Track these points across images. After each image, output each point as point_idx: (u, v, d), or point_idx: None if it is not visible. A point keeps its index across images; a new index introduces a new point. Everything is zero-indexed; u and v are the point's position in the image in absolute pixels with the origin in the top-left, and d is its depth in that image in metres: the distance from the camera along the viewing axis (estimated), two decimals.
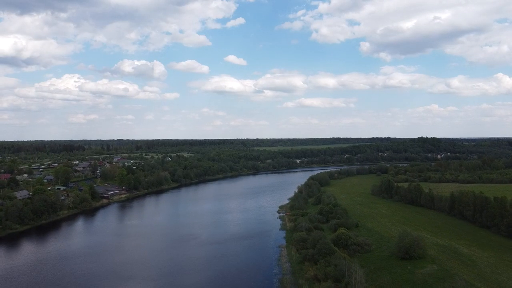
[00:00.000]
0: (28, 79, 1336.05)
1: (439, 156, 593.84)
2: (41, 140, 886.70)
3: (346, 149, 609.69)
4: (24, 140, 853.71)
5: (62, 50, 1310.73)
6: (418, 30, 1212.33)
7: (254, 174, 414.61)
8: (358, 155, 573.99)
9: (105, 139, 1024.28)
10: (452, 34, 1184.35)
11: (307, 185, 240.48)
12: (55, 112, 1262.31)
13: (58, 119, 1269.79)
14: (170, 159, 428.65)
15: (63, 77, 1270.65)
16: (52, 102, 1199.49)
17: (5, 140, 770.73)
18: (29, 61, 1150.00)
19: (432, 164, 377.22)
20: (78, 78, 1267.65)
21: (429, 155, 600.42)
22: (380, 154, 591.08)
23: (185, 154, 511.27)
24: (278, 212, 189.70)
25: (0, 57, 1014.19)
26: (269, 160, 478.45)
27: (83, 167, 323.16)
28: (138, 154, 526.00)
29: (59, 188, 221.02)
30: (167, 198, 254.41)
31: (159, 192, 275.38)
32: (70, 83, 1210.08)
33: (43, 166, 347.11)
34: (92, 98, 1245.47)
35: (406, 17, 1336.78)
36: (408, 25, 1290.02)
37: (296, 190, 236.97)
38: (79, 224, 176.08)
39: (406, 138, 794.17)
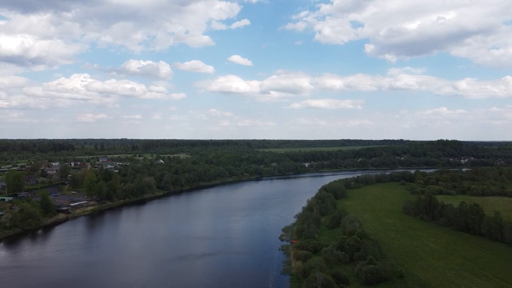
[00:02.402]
0: (37, 79, 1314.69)
1: (462, 160, 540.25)
2: (44, 139, 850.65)
3: (359, 152, 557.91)
4: (33, 138, 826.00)
5: (69, 50, 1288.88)
6: (422, 31, 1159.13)
7: (257, 179, 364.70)
8: (373, 158, 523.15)
9: (109, 138, 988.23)
10: (458, 36, 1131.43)
11: (319, 198, 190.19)
12: (64, 111, 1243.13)
13: (67, 118, 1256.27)
14: (162, 161, 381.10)
15: (71, 77, 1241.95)
16: (60, 101, 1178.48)
17: (15, 138, 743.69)
18: (35, 61, 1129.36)
19: (464, 170, 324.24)
20: (85, 77, 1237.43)
21: (451, 159, 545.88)
22: (397, 157, 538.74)
23: (181, 156, 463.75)
24: (281, 238, 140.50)
25: (7, 56, 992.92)
26: (274, 164, 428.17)
27: (56, 171, 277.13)
28: (131, 155, 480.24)
29: (4, 199, 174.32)
30: (142, 212, 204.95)
31: (139, 202, 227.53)
32: (77, 82, 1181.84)
33: (14, 168, 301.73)
34: (99, 98, 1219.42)
35: (410, 18, 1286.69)
36: (412, 26, 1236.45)
37: (305, 204, 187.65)
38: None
39: (423, 141, 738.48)
